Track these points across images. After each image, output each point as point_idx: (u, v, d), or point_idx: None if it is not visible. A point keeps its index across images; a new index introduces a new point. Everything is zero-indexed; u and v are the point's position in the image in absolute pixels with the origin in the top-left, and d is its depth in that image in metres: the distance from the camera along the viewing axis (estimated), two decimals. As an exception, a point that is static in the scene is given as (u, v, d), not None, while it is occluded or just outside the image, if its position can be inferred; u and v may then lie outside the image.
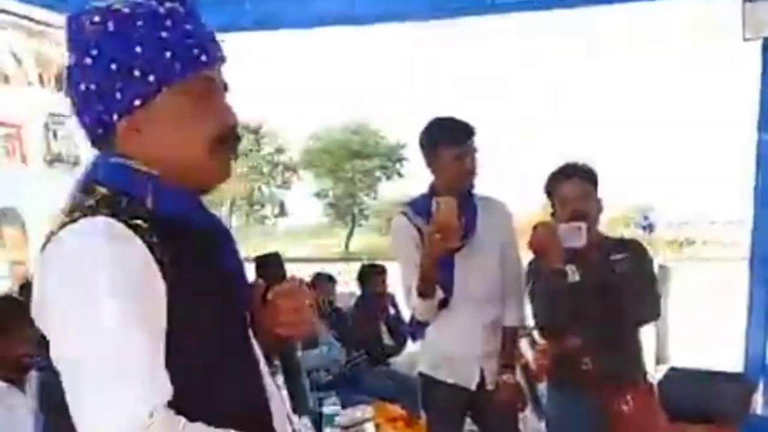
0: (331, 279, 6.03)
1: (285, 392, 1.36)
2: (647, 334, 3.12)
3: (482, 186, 3.05)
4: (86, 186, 1.20)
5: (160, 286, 1.11)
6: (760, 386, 3.77)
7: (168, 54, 1.18)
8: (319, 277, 5.97)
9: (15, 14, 4.01)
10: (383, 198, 37.66)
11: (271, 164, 39.61)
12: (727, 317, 5.88)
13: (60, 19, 1.23)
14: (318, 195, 39.58)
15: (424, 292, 2.85)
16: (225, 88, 1.28)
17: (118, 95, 1.18)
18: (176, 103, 1.20)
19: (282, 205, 40.45)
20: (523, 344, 5.13)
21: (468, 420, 3.18)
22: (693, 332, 8.74)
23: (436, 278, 2.83)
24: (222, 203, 38.00)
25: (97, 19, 1.19)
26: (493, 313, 3.01)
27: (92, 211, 1.13)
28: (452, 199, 2.70)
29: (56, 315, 1.09)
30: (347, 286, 7.14)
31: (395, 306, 6.10)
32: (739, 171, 4.72)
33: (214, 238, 1.26)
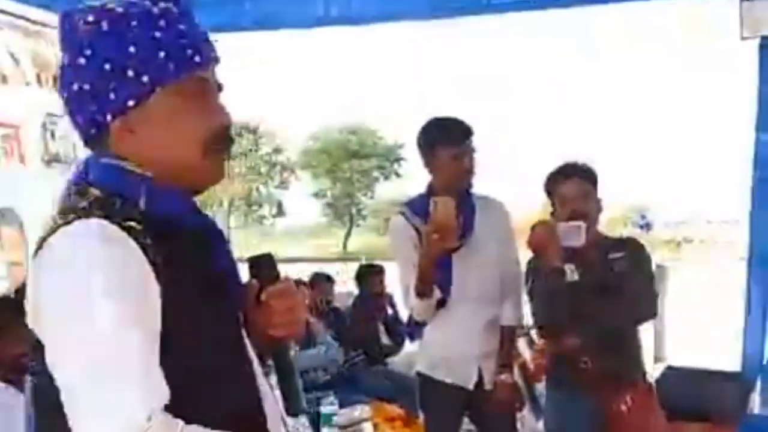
0: (329, 279, 6.03)
1: (278, 392, 1.35)
2: (645, 333, 3.13)
3: (482, 186, 3.06)
4: (79, 187, 1.20)
5: (155, 288, 1.10)
6: (758, 385, 3.77)
7: (162, 54, 1.18)
8: (317, 277, 5.97)
9: (11, 14, 4.01)
10: (381, 198, 37.66)
11: (269, 164, 39.58)
12: (724, 316, 5.89)
13: (56, 19, 1.22)
14: (316, 195, 39.59)
15: (422, 292, 2.85)
16: (219, 88, 1.28)
17: (112, 95, 1.17)
18: (170, 104, 1.20)
19: (280, 205, 40.42)
20: (521, 344, 5.14)
21: (466, 419, 3.18)
22: (690, 331, 8.75)
23: (434, 278, 2.83)
24: (220, 203, 38.00)
25: (90, 18, 1.18)
26: (491, 313, 3.01)
27: (85, 213, 1.12)
28: (450, 199, 2.70)
29: (52, 319, 1.08)
30: (345, 285, 7.15)
31: (393, 306, 6.10)
32: (736, 170, 4.72)
33: (208, 238, 1.26)
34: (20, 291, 1.17)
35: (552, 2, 3.98)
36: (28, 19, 4.02)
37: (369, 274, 6.08)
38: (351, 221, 39.09)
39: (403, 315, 5.85)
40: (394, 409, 4.65)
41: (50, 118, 4.16)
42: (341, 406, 4.55)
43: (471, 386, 3.00)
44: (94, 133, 1.22)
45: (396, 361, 5.78)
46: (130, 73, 1.17)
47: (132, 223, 1.12)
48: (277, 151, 39.52)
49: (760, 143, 3.67)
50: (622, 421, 2.82)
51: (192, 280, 1.16)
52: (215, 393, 1.18)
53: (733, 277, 4.76)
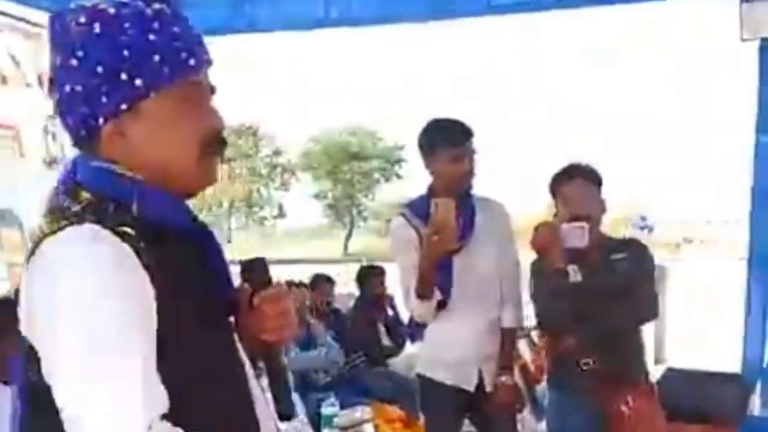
0: (329, 280, 6.03)
1: (269, 395, 1.35)
2: (645, 335, 3.13)
3: (484, 187, 3.05)
4: (70, 189, 1.19)
5: (150, 293, 1.10)
6: (758, 387, 3.77)
7: (156, 58, 1.16)
8: (317, 278, 5.97)
9: (12, 16, 4.02)
10: (382, 199, 37.61)
11: (270, 166, 39.57)
12: (724, 318, 5.89)
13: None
14: (317, 197, 39.53)
15: (422, 294, 2.85)
16: (212, 90, 1.27)
17: (104, 99, 1.16)
18: (164, 108, 1.19)
19: (281, 207, 40.39)
20: (522, 345, 5.14)
21: (466, 421, 3.18)
22: (690, 332, 8.75)
23: (435, 280, 2.83)
24: (221, 205, 37.99)
25: (82, 19, 1.17)
26: (491, 314, 3.01)
27: (78, 219, 1.11)
28: (450, 201, 2.70)
29: (48, 329, 1.07)
30: (346, 287, 7.14)
31: (394, 307, 6.11)
32: (736, 171, 4.72)
33: (201, 242, 1.26)
34: (20, 292, 1.17)
35: (552, 4, 3.98)
36: (28, 21, 4.03)
37: (370, 276, 6.09)
38: (351, 223, 39.06)
39: (404, 316, 5.88)
40: (395, 411, 4.64)
41: (51, 119, 4.16)
42: (342, 407, 4.55)
43: (471, 388, 3.00)
44: (84, 136, 1.21)
45: (397, 363, 5.79)
46: (124, 76, 1.15)
47: (125, 229, 1.11)
48: (278, 153, 39.49)
49: (760, 144, 3.67)
50: (623, 422, 2.82)
51: (186, 285, 1.15)
52: (208, 396, 1.17)
53: (734, 277, 4.76)
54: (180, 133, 1.21)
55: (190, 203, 1.29)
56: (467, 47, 47.95)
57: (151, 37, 1.17)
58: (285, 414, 1.35)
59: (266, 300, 1.32)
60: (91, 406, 1.02)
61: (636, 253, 2.89)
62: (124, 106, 1.17)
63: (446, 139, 2.88)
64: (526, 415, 4.24)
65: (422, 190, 3.06)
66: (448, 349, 3.00)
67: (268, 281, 1.35)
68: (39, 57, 4.12)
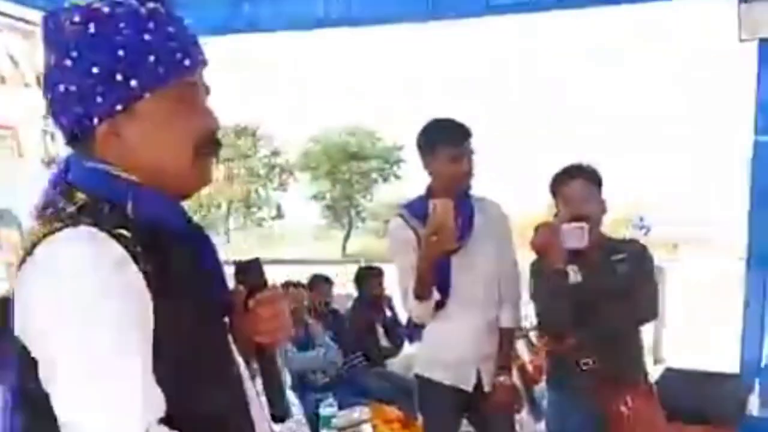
0: (327, 281, 6.04)
1: (263, 398, 1.35)
2: (644, 335, 3.13)
3: (484, 187, 3.05)
4: (64, 190, 1.18)
5: (146, 296, 1.09)
6: (756, 387, 3.77)
7: (151, 58, 1.16)
8: (316, 279, 5.98)
9: (10, 16, 4.01)
10: (380, 200, 37.59)
11: (268, 167, 39.54)
12: (723, 318, 5.89)
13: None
14: (315, 197, 39.52)
15: (420, 294, 2.85)
16: (206, 91, 1.26)
17: (99, 99, 1.15)
18: (159, 109, 1.18)
19: (279, 208, 40.36)
20: (520, 346, 5.14)
21: (464, 421, 3.18)
22: (689, 333, 8.76)
23: (433, 280, 2.84)
24: (219, 206, 37.98)
25: (77, 19, 1.16)
26: (489, 315, 3.01)
27: (73, 221, 1.11)
28: (449, 201, 2.70)
29: (44, 331, 1.06)
30: (344, 288, 7.14)
31: (392, 308, 6.12)
32: (735, 172, 4.72)
33: (195, 243, 1.25)
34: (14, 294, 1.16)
35: (551, 4, 3.99)
36: (27, 21, 4.02)
37: (368, 276, 6.09)
38: (350, 223, 39.04)
39: (402, 317, 5.88)
40: (393, 411, 4.65)
41: (49, 119, 4.16)
42: (340, 407, 4.56)
43: (470, 388, 3.00)
44: (78, 136, 1.20)
45: (395, 363, 5.79)
46: (119, 77, 1.15)
47: (121, 231, 1.11)
48: (276, 153, 39.47)
49: (758, 145, 3.68)
50: (623, 423, 2.82)
51: (181, 286, 1.15)
52: (204, 397, 1.17)
53: (732, 278, 4.76)
54: (175, 134, 1.20)
55: (190, 203, 1.29)
56: (466, 47, 47.98)
57: (146, 37, 1.16)
58: (279, 416, 1.35)
59: (261, 302, 1.32)
60: (89, 411, 1.02)
61: (636, 253, 2.89)
62: (119, 107, 1.16)
63: (445, 140, 2.89)
64: (524, 416, 4.25)
65: (421, 190, 3.06)
66: (446, 349, 3.00)
67: (264, 283, 1.34)
68: (37, 57, 4.11)
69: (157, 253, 1.12)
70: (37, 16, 4.01)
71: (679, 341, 8.01)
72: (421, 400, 3.12)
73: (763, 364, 3.78)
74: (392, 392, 5.11)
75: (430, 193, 2.96)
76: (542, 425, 4.33)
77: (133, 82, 1.15)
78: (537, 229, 2.87)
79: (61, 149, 4.27)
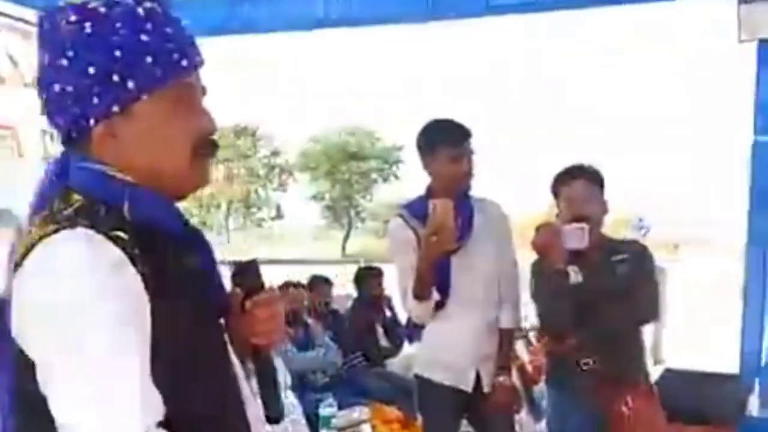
0: (327, 281, 6.04)
1: (259, 399, 1.36)
2: (643, 335, 3.13)
3: (484, 187, 3.05)
4: (60, 190, 1.17)
5: (144, 298, 1.09)
6: (756, 388, 3.77)
7: (149, 59, 1.15)
8: (315, 279, 5.98)
9: (9, 16, 4.01)
10: (379, 200, 37.61)
11: (268, 167, 39.56)
12: (722, 318, 5.89)
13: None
14: (314, 197, 39.54)
15: (420, 295, 2.85)
16: (203, 91, 1.26)
17: (96, 100, 1.14)
18: (156, 110, 1.17)
19: (279, 208, 40.39)
20: (519, 346, 5.14)
21: (464, 422, 3.18)
22: (689, 333, 8.76)
23: (432, 280, 2.83)
24: (219, 206, 37.98)
25: (73, 18, 1.15)
26: (489, 315, 3.01)
27: (71, 222, 1.10)
28: (448, 201, 2.70)
29: (43, 335, 1.05)
30: (344, 288, 7.15)
31: (392, 308, 6.12)
32: (735, 172, 4.73)
33: (192, 245, 1.25)
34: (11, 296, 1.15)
35: (551, 5, 3.99)
36: (26, 21, 4.02)
37: (367, 277, 6.09)
38: (349, 224, 39.06)
39: (402, 317, 5.89)
40: (393, 411, 4.65)
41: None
42: (340, 408, 4.56)
43: (469, 389, 3.00)
44: (74, 136, 1.19)
45: (394, 363, 5.79)
46: (116, 77, 1.14)
47: (118, 233, 1.10)
48: (276, 153, 39.49)
49: (757, 145, 3.68)
50: (623, 423, 2.82)
51: (178, 288, 1.14)
52: (200, 398, 1.17)
53: (732, 278, 4.77)
54: (172, 135, 1.20)
55: (190, 204, 1.29)
56: (466, 47, 47.98)
57: (143, 37, 1.15)
58: (273, 417, 1.35)
59: (258, 304, 1.32)
60: (87, 413, 1.02)
61: (637, 254, 2.89)
62: (115, 108, 1.15)
63: (445, 140, 2.88)
64: (523, 416, 4.25)
65: (420, 190, 3.05)
66: (445, 349, 3.00)
67: (260, 285, 1.34)
68: (36, 57, 4.12)
69: (154, 254, 1.11)
70: (36, 16, 4.01)
71: (679, 341, 8.01)
72: (421, 401, 3.12)
73: (762, 364, 3.79)
74: (392, 392, 5.11)
75: (430, 193, 2.96)
76: (541, 425, 4.34)
77: (130, 83, 1.14)
78: (538, 229, 2.88)
79: (61, 149, 4.28)
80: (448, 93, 42.21)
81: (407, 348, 5.91)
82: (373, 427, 4.54)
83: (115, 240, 1.09)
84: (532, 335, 5.85)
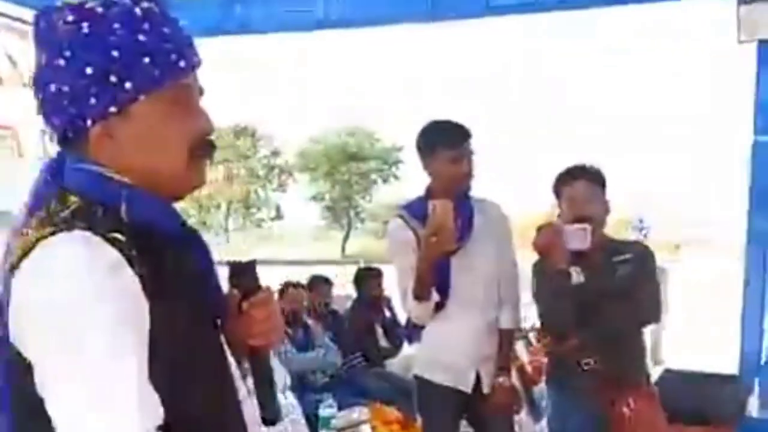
0: (327, 282, 6.04)
1: (255, 400, 1.35)
2: (644, 336, 3.14)
3: (484, 188, 3.05)
4: (57, 191, 1.16)
5: (142, 300, 1.08)
6: (756, 388, 3.77)
7: (146, 60, 1.14)
8: (315, 279, 5.98)
9: (8, 16, 4.01)
10: (379, 201, 37.64)
11: (268, 167, 39.59)
12: (722, 319, 5.89)
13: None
14: (314, 198, 39.56)
15: (420, 295, 2.85)
16: (200, 92, 1.25)
17: (93, 100, 1.13)
18: (153, 111, 1.17)
19: (278, 209, 40.42)
20: (519, 347, 5.14)
21: (464, 422, 3.18)
22: (688, 334, 8.76)
23: (432, 281, 2.83)
24: (219, 206, 38.00)
25: (70, 18, 1.14)
26: (489, 316, 3.01)
27: (68, 225, 1.09)
28: (448, 202, 2.70)
29: (41, 339, 1.04)
30: (344, 288, 7.15)
31: (391, 309, 6.12)
32: (735, 172, 4.73)
33: (189, 246, 1.24)
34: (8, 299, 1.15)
35: (551, 5, 3.99)
36: (24, 21, 4.02)
37: (367, 277, 6.09)
38: (349, 224, 39.07)
39: (402, 318, 5.88)
40: (392, 412, 4.65)
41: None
42: (339, 408, 4.56)
43: (469, 389, 3.00)
44: (70, 136, 1.18)
45: (394, 364, 5.80)
46: (113, 78, 1.13)
47: (116, 235, 1.09)
48: (276, 153, 39.52)
49: (757, 145, 3.68)
50: (624, 424, 2.81)
51: (176, 290, 1.14)
52: (198, 400, 1.16)
53: (732, 278, 4.76)
54: (170, 136, 1.19)
55: (189, 205, 1.28)
56: (466, 48, 48.00)
57: (141, 37, 1.14)
58: (269, 418, 1.35)
59: (255, 305, 1.31)
60: (85, 417, 1.01)
61: (639, 254, 2.88)
62: (113, 109, 1.14)
63: (445, 141, 2.88)
64: (523, 417, 4.25)
65: (420, 191, 3.05)
66: (445, 350, 3.00)
67: (257, 286, 1.34)
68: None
69: (151, 256, 1.11)
70: (33, 16, 4.01)
71: (679, 342, 8.01)
72: (420, 401, 3.12)
73: (762, 364, 3.79)
74: (391, 393, 5.11)
75: (430, 194, 2.96)
76: (541, 426, 4.34)
77: (128, 84, 1.14)
78: (540, 230, 2.87)
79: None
80: (448, 93, 42.25)
81: (407, 348, 5.91)
82: (373, 428, 4.54)
83: (113, 242, 1.08)
84: (532, 336, 5.85)
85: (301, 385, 4.93)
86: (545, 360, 4.33)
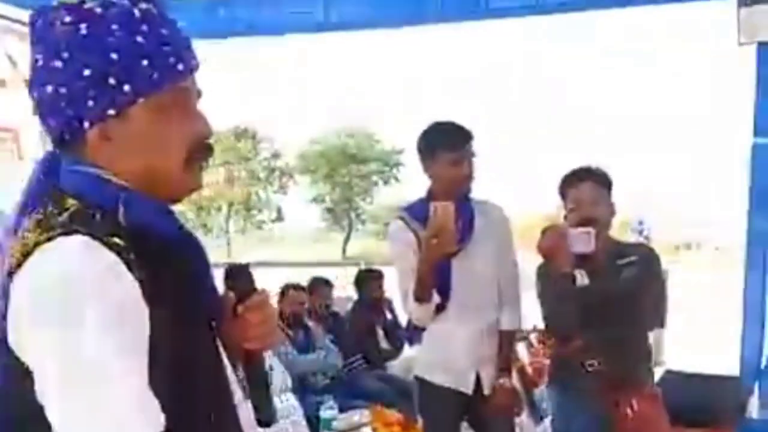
0: (327, 283, 6.03)
1: (250, 403, 1.36)
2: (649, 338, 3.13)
3: (485, 188, 3.05)
4: (53, 194, 1.15)
5: (142, 304, 1.07)
6: (756, 390, 3.77)
7: (145, 63, 1.13)
8: (316, 281, 5.97)
9: (8, 18, 4.01)
10: (380, 203, 37.65)
11: (268, 169, 39.59)
12: (722, 320, 5.89)
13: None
14: (315, 200, 39.57)
15: (420, 297, 2.85)
16: (198, 94, 1.25)
17: (91, 103, 1.12)
18: (152, 114, 1.16)
19: (279, 210, 40.42)
20: (520, 348, 5.15)
21: (464, 424, 3.18)
22: (689, 335, 8.75)
23: (433, 283, 2.83)
24: (219, 208, 37.99)
25: (68, 19, 1.12)
26: (489, 318, 3.01)
27: (66, 229, 1.08)
28: (449, 204, 2.70)
29: (40, 343, 1.03)
30: (344, 290, 7.16)
31: (392, 311, 6.12)
32: (734, 174, 4.74)
33: (187, 249, 1.24)
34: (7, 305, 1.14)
35: (551, 7, 3.99)
36: (23, 23, 4.03)
37: (368, 279, 6.10)
38: (350, 226, 39.08)
39: (402, 320, 5.88)
40: (393, 414, 4.65)
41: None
42: (340, 410, 4.55)
43: (469, 391, 3.00)
44: (67, 138, 1.17)
45: (395, 366, 5.80)
46: (112, 81, 1.12)
47: (115, 239, 1.08)
48: (276, 156, 39.52)
49: (757, 147, 3.69)
50: (628, 426, 2.81)
51: (174, 294, 1.13)
52: (195, 403, 1.16)
53: (732, 280, 4.77)
54: (168, 139, 1.18)
55: (190, 207, 1.28)
56: (466, 50, 47.99)
57: (140, 40, 1.13)
58: (264, 421, 1.35)
59: (250, 308, 1.32)
60: (87, 427, 1.01)
61: (644, 257, 2.87)
62: (111, 112, 1.13)
63: (445, 143, 2.88)
64: (524, 418, 4.25)
65: (421, 193, 3.05)
66: (446, 352, 3.00)
67: (253, 289, 1.34)
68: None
69: (149, 260, 1.10)
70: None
71: (680, 343, 8.01)
72: (421, 403, 3.12)
73: (763, 366, 3.79)
74: (392, 395, 5.11)
75: (431, 196, 2.96)
76: (542, 428, 4.34)
77: (127, 87, 1.13)
78: (544, 233, 2.87)
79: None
80: (449, 95, 42.27)
81: (407, 350, 5.91)
82: (374, 430, 4.54)
83: (112, 246, 1.07)
84: (533, 337, 5.85)
85: (301, 387, 4.93)
86: (546, 361, 4.33)
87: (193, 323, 1.18)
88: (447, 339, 2.98)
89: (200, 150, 1.23)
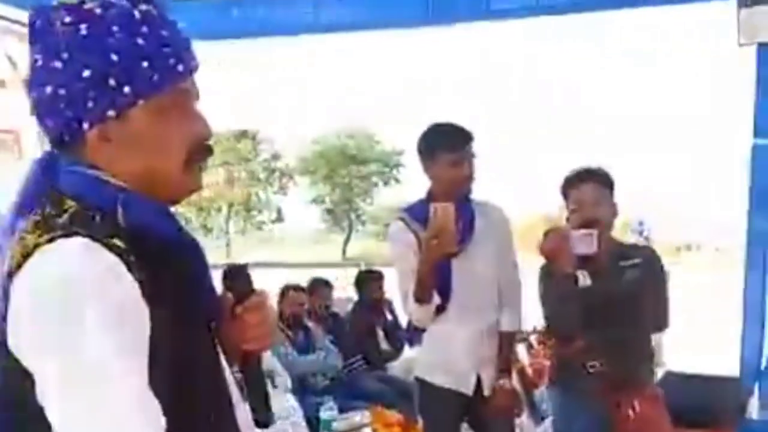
0: (327, 284, 6.03)
1: (247, 404, 1.36)
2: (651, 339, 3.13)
3: (485, 189, 3.05)
4: (52, 195, 1.15)
5: (142, 306, 1.07)
6: (756, 390, 3.77)
7: (145, 64, 1.13)
8: (316, 282, 5.97)
9: (7, 19, 4.01)
10: (380, 204, 37.67)
11: (268, 170, 39.62)
12: (722, 321, 5.89)
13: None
14: (315, 201, 39.59)
15: (421, 298, 2.85)
16: (197, 95, 1.24)
17: (91, 104, 1.12)
18: (152, 115, 1.15)
19: (279, 211, 40.45)
20: (520, 349, 5.15)
21: (464, 425, 3.18)
22: (689, 336, 8.74)
23: (433, 284, 2.83)
24: (219, 209, 38.01)
25: (67, 19, 1.12)
26: (490, 319, 3.01)
27: (66, 230, 1.07)
28: (449, 205, 2.70)
29: (40, 345, 1.03)
30: (344, 291, 7.16)
31: (392, 311, 6.12)
32: (735, 174, 4.74)
33: (186, 250, 1.24)
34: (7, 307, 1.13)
35: (551, 9, 3.99)
36: (23, 24, 4.03)
37: (368, 280, 6.09)
38: (350, 227, 39.10)
39: (403, 321, 5.88)
40: (393, 415, 4.65)
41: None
42: (340, 411, 4.55)
43: (470, 392, 3.00)
44: (66, 139, 1.16)
45: (395, 367, 5.79)
46: (112, 82, 1.11)
47: (115, 241, 1.08)
48: (276, 157, 39.56)
49: (757, 148, 3.69)
50: (629, 427, 2.81)
51: (174, 295, 1.13)
52: (193, 404, 1.16)
53: (732, 281, 4.77)
54: (168, 141, 1.18)
55: (190, 208, 1.28)
56: (467, 50, 48.02)
57: (140, 41, 1.13)
58: (262, 421, 1.35)
59: (248, 309, 1.32)
60: (87, 425, 1.00)
61: (646, 259, 2.87)
62: (111, 113, 1.13)
63: (445, 144, 2.88)
64: (524, 419, 4.25)
65: (421, 194, 3.05)
66: (446, 353, 3.00)
67: (251, 290, 1.34)
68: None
69: (149, 261, 1.10)
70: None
71: (680, 344, 8.00)
72: (421, 404, 3.12)
73: (763, 367, 3.79)
74: (392, 396, 5.11)
75: (431, 197, 2.95)
76: (542, 428, 4.34)
77: (127, 89, 1.12)
78: (546, 234, 2.87)
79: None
80: (449, 96, 42.26)
81: (408, 351, 5.91)
82: (374, 431, 4.54)
83: (111, 248, 1.07)
84: (533, 338, 5.85)
85: (301, 388, 4.93)
86: (546, 362, 4.33)
87: (192, 324, 1.18)
88: (447, 340, 2.98)
89: (200, 151, 1.23)
